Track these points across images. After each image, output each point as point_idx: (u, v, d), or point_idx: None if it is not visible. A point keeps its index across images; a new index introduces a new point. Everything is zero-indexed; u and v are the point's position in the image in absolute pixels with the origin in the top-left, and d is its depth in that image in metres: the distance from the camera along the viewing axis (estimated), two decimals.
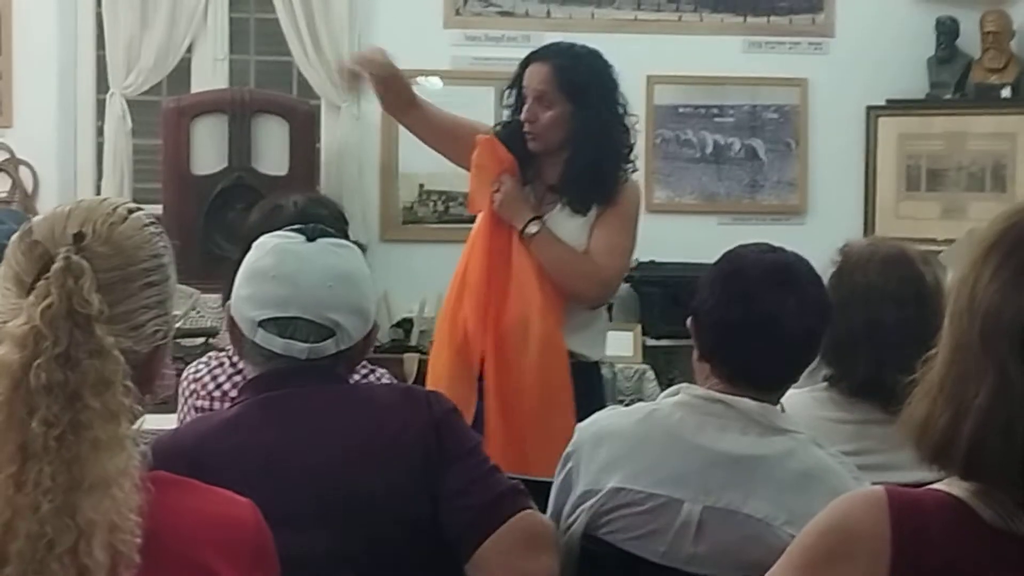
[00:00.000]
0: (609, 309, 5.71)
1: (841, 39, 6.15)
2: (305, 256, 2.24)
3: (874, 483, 1.72)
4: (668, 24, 6.05)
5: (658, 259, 5.76)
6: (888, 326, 2.55)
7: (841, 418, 2.65)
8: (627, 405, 2.66)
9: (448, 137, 3.97)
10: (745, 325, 2.31)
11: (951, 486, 1.49)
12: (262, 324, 2.21)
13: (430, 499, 2.14)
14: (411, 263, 5.43)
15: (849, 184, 6.13)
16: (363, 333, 2.27)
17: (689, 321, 2.42)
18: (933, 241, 5.33)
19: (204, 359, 2.91)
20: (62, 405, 1.50)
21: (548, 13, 6.03)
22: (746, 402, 2.32)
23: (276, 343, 2.20)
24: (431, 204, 5.97)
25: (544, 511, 2.36)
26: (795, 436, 2.32)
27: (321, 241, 2.27)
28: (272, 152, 5.54)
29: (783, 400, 2.42)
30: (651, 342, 5.70)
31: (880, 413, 2.53)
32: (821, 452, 2.31)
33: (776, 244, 2.44)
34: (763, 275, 2.34)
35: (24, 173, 5.84)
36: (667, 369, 5.61)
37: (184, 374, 2.88)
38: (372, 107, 5.90)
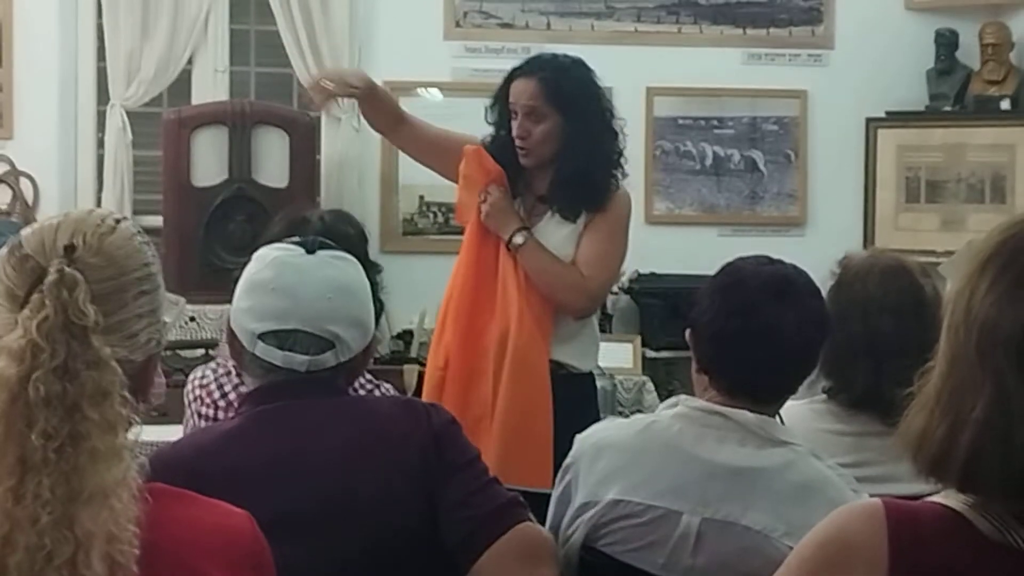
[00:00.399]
0: (609, 320, 5.74)
1: (840, 51, 6.16)
2: (305, 268, 2.24)
3: (872, 495, 1.72)
4: (668, 36, 6.06)
5: (658, 271, 5.77)
6: (887, 338, 2.55)
7: (839, 430, 2.65)
8: (626, 417, 2.66)
9: (438, 151, 3.97)
10: (744, 337, 2.32)
11: (948, 498, 1.49)
12: (262, 336, 2.21)
13: (429, 510, 2.14)
14: (411, 275, 5.42)
15: (848, 196, 6.13)
16: (363, 345, 2.28)
17: (688, 333, 2.43)
18: (932, 253, 5.33)
19: (211, 365, 2.91)
20: (61, 417, 1.51)
21: (548, 25, 6.04)
22: (744, 414, 2.32)
23: (276, 355, 2.20)
24: (431, 216, 5.98)
25: (541, 522, 2.36)
26: (794, 448, 2.32)
27: (320, 253, 2.28)
28: (272, 164, 5.54)
29: (782, 412, 2.43)
30: (651, 354, 5.70)
31: (879, 425, 2.53)
32: (820, 464, 2.31)
33: (776, 256, 2.45)
34: (762, 287, 2.34)
35: (25, 185, 5.84)
36: (667, 381, 5.61)
37: (191, 378, 2.89)
38: None
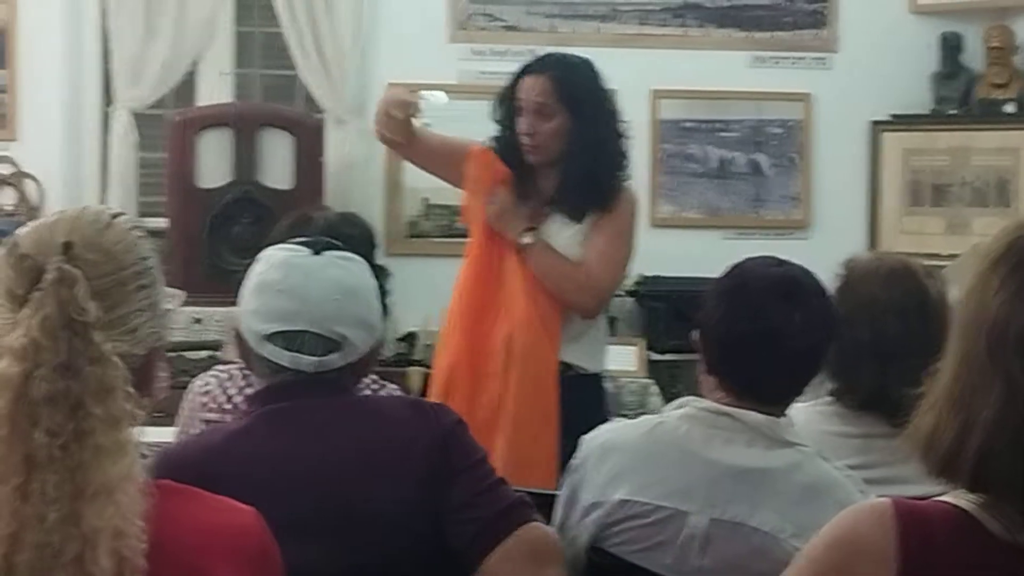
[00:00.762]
0: (613, 323, 5.73)
1: (845, 54, 6.15)
2: (311, 270, 2.25)
3: (880, 496, 1.72)
4: (673, 39, 6.06)
5: (662, 274, 5.76)
6: (892, 339, 2.55)
7: (846, 432, 2.65)
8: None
9: (445, 161, 3.98)
10: (751, 338, 2.32)
11: (957, 498, 1.49)
12: (269, 338, 2.22)
13: (436, 511, 2.14)
14: (416, 277, 5.42)
15: (853, 199, 6.13)
16: (369, 346, 2.28)
17: (695, 334, 2.43)
18: (937, 256, 5.32)
19: (212, 372, 2.90)
20: (65, 414, 1.51)
21: (553, 28, 6.04)
22: (752, 415, 2.32)
23: (283, 356, 2.21)
24: (436, 218, 5.98)
25: (548, 523, 2.36)
26: (801, 449, 2.32)
27: (327, 254, 2.28)
28: (277, 166, 5.54)
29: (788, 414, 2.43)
30: (655, 357, 5.69)
31: (885, 426, 2.53)
32: (827, 465, 2.32)
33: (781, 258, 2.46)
34: (769, 289, 2.34)
35: (29, 186, 5.84)
36: (671, 384, 5.60)
37: (190, 388, 2.88)
38: None
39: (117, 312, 1.62)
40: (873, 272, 2.68)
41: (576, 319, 3.75)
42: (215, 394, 2.83)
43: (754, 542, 2.24)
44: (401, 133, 3.84)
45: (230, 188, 5.50)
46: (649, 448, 2.37)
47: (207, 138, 5.52)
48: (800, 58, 6.16)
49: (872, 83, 6.08)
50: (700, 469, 2.31)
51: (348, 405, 2.24)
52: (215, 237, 5.46)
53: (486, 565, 2.11)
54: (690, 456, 2.33)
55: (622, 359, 5.46)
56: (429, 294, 5.54)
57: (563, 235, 3.74)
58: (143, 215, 5.70)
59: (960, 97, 6.02)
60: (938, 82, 6.06)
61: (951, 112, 6.02)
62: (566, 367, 3.72)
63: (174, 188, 5.54)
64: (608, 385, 4.03)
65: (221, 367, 2.91)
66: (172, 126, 5.56)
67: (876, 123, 6.09)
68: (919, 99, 6.07)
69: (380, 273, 2.70)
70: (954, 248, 5.52)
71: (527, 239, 3.72)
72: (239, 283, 2.33)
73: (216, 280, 5.21)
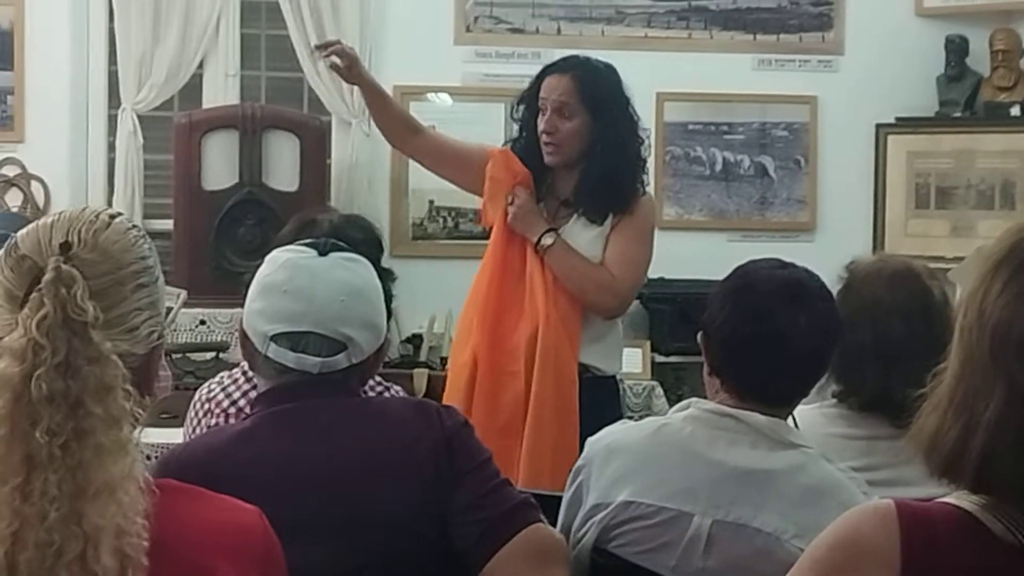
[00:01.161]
0: None
1: (851, 57, 6.16)
2: (317, 271, 2.25)
3: (883, 498, 1.72)
4: (678, 41, 6.07)
5: (667, 276, 5.76)
6: (896, 340, 2.55)
7: (850, 434, 2.65)
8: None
9: (454, 162, 3.99)
10: (755, 340, 2.32)
11: (960, 499, 1.49)
12: (274, 338, 2.22)
13: (440, 512, 2.14)
14: (421, 279, 5.43)
15: (858, 202, 6.13)
16: (375, 347, 2.28)
17: (700, 336, 2.43)
18: (942, 259, 5.32)
19: (216, 379, 2.90)
20: (65, 414, 1.51)
21: (558, 30, 6.04)
22: (756, 416, 2.32)
23: (288, 357, 2.21)
24: (441, 220, 5.98)
25: (553, 525, 2.36)
26: (805, 450, 2.33)
27: (333, 256, 2.28)
28: (283, 168, 5.55)
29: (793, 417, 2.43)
30: (660, 359, 5.70)
31: (889, 428, 2.53)
32: (830, 467, 2.32)
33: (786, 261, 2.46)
34: (774, 291, 2.35)
35: (36, 188, 5.86)
36: (676, 386, 5.61)
37: (196, 396, 2.88)
38: None
39: (116, 311, 1.63)
40: (876, 274, 2.68)
41: (594, 321, 3.77)
42: (219, 399, 2.83)
43: (757, 543, 2.25)
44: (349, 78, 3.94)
45: (236, 190, 5.52)
46: (653, 450, 2.37)
47: (213, 140, 5.54)
48: (805, 61, 6.16)
49: (877, 86, 6.08)
50: (704, 470, 2.31)
51: (353, 406, 2.24)
52: (221, 239, 5.47)
53: (491, 566, 2.10)
54: (694, 457, 2.33)
55: (627, 361, 5.44)
56: (434, 296, 5.57)
57: (583, 237, 3.75)
58: (149, 217, 5.72)
59: (965, 100, 6.02)
60: (943, 85, 6.06)
61: (956, 115, 6.02)
62: (583, 369, 3.73)
63: (180, 190, 5.55)
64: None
65: (225, 373, 2.92)
66: (178, 128, 5.57)
67: (881, 126, 6.09)
68: (924, 102, 6.07)
69: (386, 276, 2.71)
70: (959, 251, 5.52)
71: (548, 240, 3.73)
72: (244, 285, 2.33)
73: (221, 281, 5.23)
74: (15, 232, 1.69)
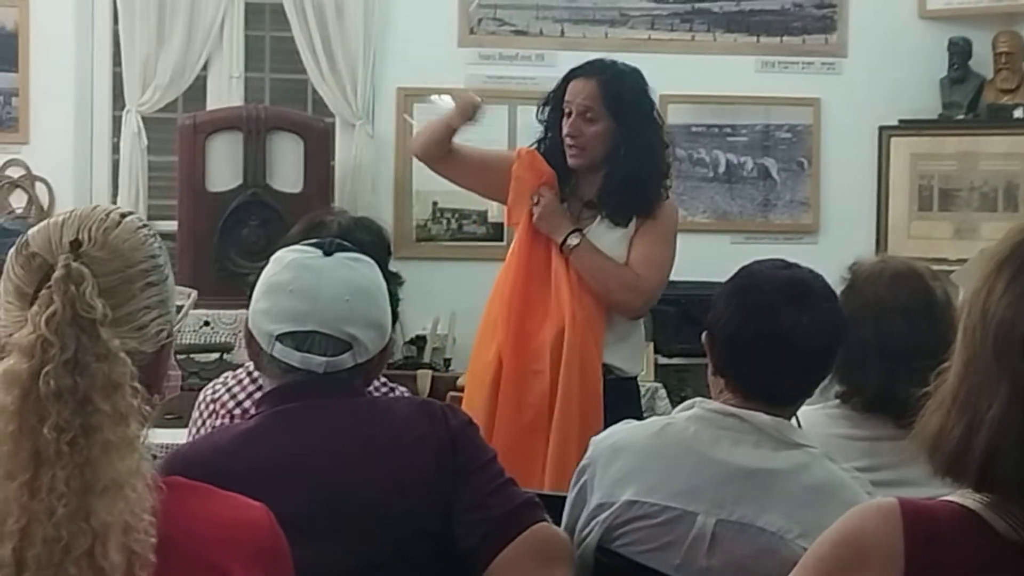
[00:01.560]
0: None
1: (854, 59, 6.17)
2: (322, 270, 2.26)
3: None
4: (682, 44, 6.08)
5: (671, 278, 5.76)
6: (898, 340, 2.55)
7: (853, 435, 2.65)
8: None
9: (478, 173, 4.03)
10: (759, 340, 2.33)
11: (963, 498, 1.50)
12: (280, 338, 2.22)
13: (445, 511, 2.15)
14: (424, 281, 5.43)
15: (861, 204, 6.13)
16: (379, 347, 2.29)
17: (704, 336, 2.44)
18: (945, 261, 5.33)
19: (220, 379, 2.90)
20: (72, 410, 1.52)
21: (562, 32, 6.06)
22: (760, 416, 2.33)
23: (294, 357, 2.22)
24: (445, 222, 6.00)
25: (559, 525, 2.37)
26: (808, 450, 2.33)
27: (338, 255, 2.29)
28: (287, 169, 5.57)
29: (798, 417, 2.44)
30: (663, 360, 5.71)
31: (892, 428, 2.53)
32: (834, 466, 2.32)
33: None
34: (778, 290, 2.35)
35: (40, 189, 5.87)
36: (679, 387, 5.61)
37: (200, 397, 2.88)
38: (386, 125, 5.95)
39: (125, 309, 1.63)
40: (878, 274, 2.69)
41: (618, 321, 3.79)
42: (224, 400, 2.84)
43: (761, 542, 2.25)
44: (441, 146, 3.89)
45: (240, 191, 5.53)
46: (657, 449, 2.38)
47: (217, 141, 5.55)
48: (809, 63, 6.17)
49: (881, 88, 6.09)
50: (708, 470, 2.32)
51: (358, 405, 2.25)
52: (224, 240, 5.48)
53: (495, 565, 2.11)
54: (698, 457, 2.34)
55: None
56: (438, 298, 5.59)
57: (607, 238, 3.78)
58: (153, 218, 5.72)
59: (968, 102, 6.03)
60: (947, 87, 6.07)
61: (959, 117, 6.03)
62: (607, 369, 3.75)
63: (184, 191, 5.57)
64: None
65: (229, 373, 2.92)
66: (182, 130, 5.58)
67: (885, 128, 6.10)
68: (928, 104, 6.08)
69: (393, 279, 2.71)
70: (962, 253, 5.52)
71: (574, 240, 3.75)
72: (248, 285, 2.33)
73: (225, 282, 5.24)
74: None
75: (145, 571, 1.51)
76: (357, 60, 5.85)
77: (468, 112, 3.90)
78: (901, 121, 6.09)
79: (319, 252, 2.29)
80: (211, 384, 2.92)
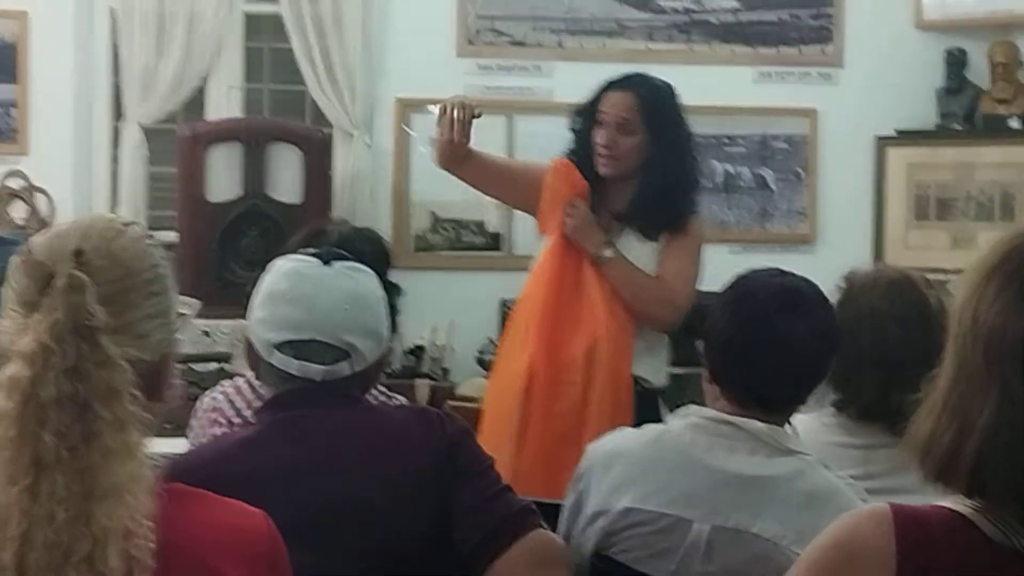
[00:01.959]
0: None
1: (851, 70, 6.18)
2: (320, 279, 2.27)
3: None
4: (679, 54, 6.08)
5: None
6: (894, 348, 2.57)
7: (848, 443, 2.67)
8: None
9: (501, 180, 4.06)
10: (754, 347, 2.34)
11: (954, 503, 1.51)
12: (278, 346, 2.24)
13: (443, 518, 2.16)
14: (423, 291, 5.45)
15: (859, 213, 6.15)
16: (377, 355, 2.31)
17: (700, 343, 2.46)
18: (942, 271, 5.32)
19: (219, 387, 2.91)
20: (73, 416, 1.53)
21: (560, 43, 6.07)
22: (755, 423, 2.34)
23: (292, 365, 2.23)
24: (443, 232, 6.00)
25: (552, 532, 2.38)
26: (803, 457, 2.35)
27: (336, 264, 2.31)
28: (286, 180, 5.57)
29: (795, 426, 2.45)
30: None
31: (886, 436, 2.54)
32: (829, 473, 2.34)
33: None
34: (773, 298, 2.37)
35: (40, 200, 5.88)
36: (677, 396, 5.60)
37: (199, 405, 2.89)
38: (385, 136, 5.96)
39: (126, 318, 1.65)
40: (873, 283, 2.70)
41: (646, 334, 3.81)
42: (223, 408, 2.84)
43: (756, 549, 2.27)
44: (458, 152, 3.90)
45: (239, 202, 5.54)
46: (653, 456, 2.40)
47: (216, 152, 5.56)
48: (806, 73, 6.18)
49: (877, 98, 6.10)
50: (703, 477, 2.33)
51: (356, 413, 2.26)
52: (224, 250, 5.49)
53: (492, 571, 2.12)
54: (694, 464, 2.35)
55: None
56: (436, 308, 5.60)
57: (638, 251, 3.81)
58: (153, 228, 5.69)
59: (965, 112, 6.04)
60: (943, 97, 6.08)
61: (956, 127, 6.04)
62: (635, 381, 3.77)
63: (184, 202, 5.57)
64: None
65: (228, 381, 2.93)
66: (182, 140, 5.59)
67: (881, 138, 6.11)
68: (924, 114, 6.10)
69: (392, 290, 2.73)
70: (959, 263, 5.47)
71: (608, 252, 3.77)
72: (248, 296, 2.35)
73: (225, 293, 5.23)
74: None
75: None
76: (355, 71, 5.87)
77: (454, 137, 3.87)
78: (898, 131, 6.10)
79: (317, 261, 2.31)
80: (209, 393, 2.92)
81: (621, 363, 3.74)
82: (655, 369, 3.86)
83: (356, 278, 2.31)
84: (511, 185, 4.05)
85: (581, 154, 3.88)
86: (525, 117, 5.92)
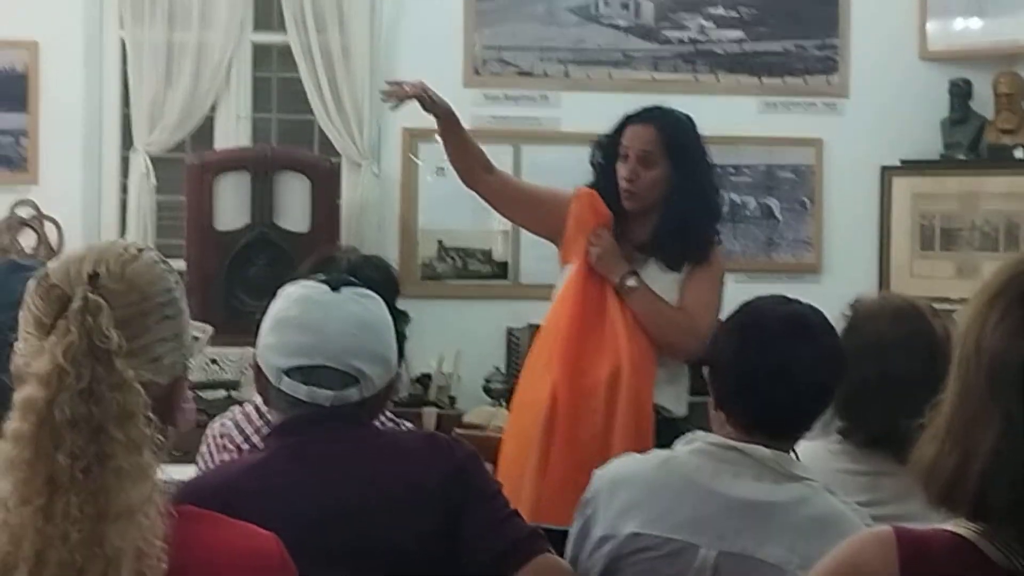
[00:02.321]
0: None
1: (856, 100, 6.19)
2: (329, 305, 2.29)
3: None
4: (684, 84, 6.10)
5: None
6: (899, 377, 2.57)
7: (854, 470, 2.67)
8: None
9: (526, 205, 4.10)
10: (760, 374, 2.36)
11: (958, 526, 1.52)
12: (287, 372, 2.25)
13: (451, 542, 2.17)
14: (430, 319, 5.45)
15: (864, 243, 6.15)
16: (386, 381, 2.32)
17: (706, 370, 2.47)
18: (947, 300, 5.33)
19: (228, 414, 2.93)
20: (87, 438, 1.55)
21: (566, 73, 6.10)
22: (760, 450, 2.35)
23: (301, 390, 2.25)
24: (450, 260, 6.02)
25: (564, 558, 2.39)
26: (809, 483, 2.35)
27: (345, 291, 2.32)
28: (294, 208, 5.59)
29: (801, 453, 2.46)
30: None
31: (893, 463, 2.55)
32: (834, 499, 2.34)
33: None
34: (779, 325, 2.38)
35: (49, 229, 5.90)
36: (697, 425, 5.58)
37: (208, 431, 2.90)
38: (392, 165, 5.98)
39: (140, 341, 1.67)
40: (879, 311, 2.71)
41: (668, 363, 3.83)
42: (232, 435, 2.86)
43: (762, 574, 2.27)
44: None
45: (247, 230, 5.56)
46: (660, 481, 2.41)
47: (225, 181, 5.58)
48: (811, 104, 6.20)
49: (883, 129, 6.12)
50: (710, 502, 2.34)
51: (365, 438, 2.28)
52: (232, 279, 5.51)
53: None
54: (700, 490, 2.36)
55: None
56: (443, 336, 5.61)
57: (660, 281, 3.84)
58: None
59: (970, 143, 6.05)
60: (948, 128, 6.10)
61: (961, 157, 6.05)
62: (656, 410, 3.78)
63: (192, 230, 5.59)
64: None
65: (237, 407, 2.94)
66: (190, 169, 5.61)
67: (887, 168, 6.12)
68: (929, 145, 6.11)
69: (401, 317, 2.74)
70: (964, 292, 5.49)
71: (632, 282, 3.80)
72: (256, 324, 2.36)
73: (233, 321, 5.24)
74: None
75: None
76: (363, 101, 5.89)
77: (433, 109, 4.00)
78: (903, 161, 6.11)
79: (327, 287, 2.32)
80: (219, 418, 2.94)
81: (643, 391, 3.75)
82: (676, 398, 3.87)
83: (365, 304, 2.32)
84: (535, 208, 4.08)
85: (603, 187, 3.91)
86: (532, 147, 5.95)
